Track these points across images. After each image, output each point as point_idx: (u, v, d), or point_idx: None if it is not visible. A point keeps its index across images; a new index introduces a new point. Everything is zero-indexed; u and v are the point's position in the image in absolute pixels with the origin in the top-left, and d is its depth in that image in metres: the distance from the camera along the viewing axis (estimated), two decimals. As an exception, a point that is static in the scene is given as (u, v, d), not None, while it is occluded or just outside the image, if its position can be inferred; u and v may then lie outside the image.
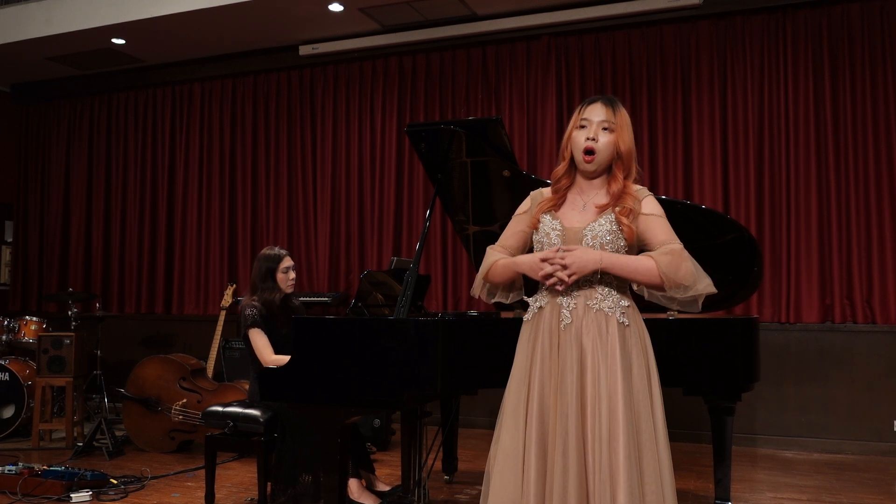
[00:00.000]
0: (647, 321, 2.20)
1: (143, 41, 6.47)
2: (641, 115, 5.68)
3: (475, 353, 2.92)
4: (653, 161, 5.65)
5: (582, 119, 2.16)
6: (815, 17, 5.33)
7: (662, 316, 3.13)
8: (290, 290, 3.81)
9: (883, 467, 4.70)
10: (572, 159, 2.18)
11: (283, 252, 3.80)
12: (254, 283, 3.79)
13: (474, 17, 5.94)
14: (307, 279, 6.56)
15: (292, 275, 3.80)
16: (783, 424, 5.24)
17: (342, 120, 6.58)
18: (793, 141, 5.32)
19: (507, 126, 5.79)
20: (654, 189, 5.61)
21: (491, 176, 3.37)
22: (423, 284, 4.36)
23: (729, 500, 3.26)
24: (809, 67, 5.31)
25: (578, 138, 2.15)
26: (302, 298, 4.92)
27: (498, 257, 2.25)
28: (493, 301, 2.31)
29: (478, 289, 2.31)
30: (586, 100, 2.21)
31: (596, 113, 2.15)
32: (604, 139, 2.13)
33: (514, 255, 2.26)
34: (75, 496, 3.81)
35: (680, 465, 4.72)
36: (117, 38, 6.40)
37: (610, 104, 2.16)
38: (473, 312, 4.72)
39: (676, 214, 3.29)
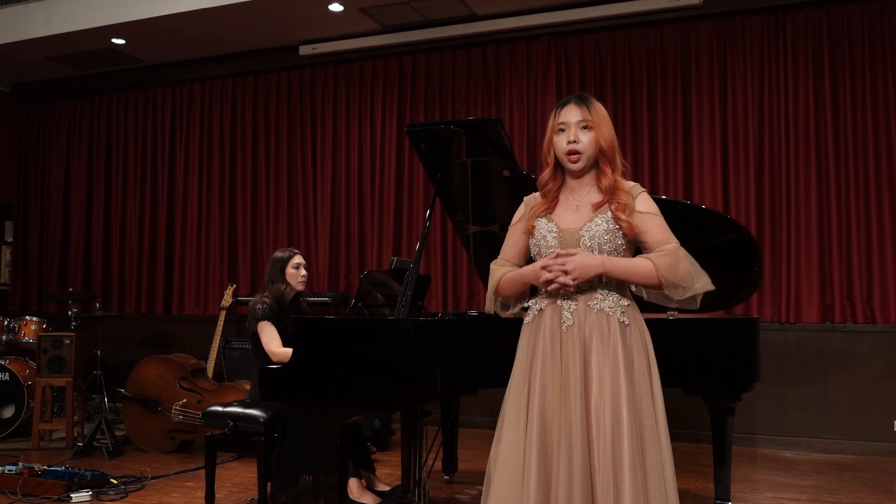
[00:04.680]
0: (647, 321, 2.20)
1: (143, 41, 6.47)
2: (641, 115, 5.68)
3: (475, 353, 2.92)
4: (653, 161, 5.65)
5: (559, 123, 2.17)
6: (815, 17, 5.33)
7: (662, 316, 3.13)
8: (300, 287, 3.84)
9: (883, 467, 4.70)
10: (557, 163, 2.20)
11: (295, 251, 3.86)
12: (265, 282, 3.81)
13: (474, 17, 5.94)
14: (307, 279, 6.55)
15: (303, 271, 3.84)
16: (783, 424, 5.24)
17: (342, 120, 6.57)
18: (793, 141, 5.32)
19: (507, 126, 5.78)
20: (654, 189, 5.61)
21: (491, 176, 3.37)
22: (423, 284, 4.36)
23: (729, 500, 3.27)
24: (809, 67, 5.30)
25: (560, 143, 2.16)
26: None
27: (504, 271, 2.25)
28: (507, 314, 2.30)
29: (491, 305, 2.30)
30: (559, 103, 2.21)
31: (571, 114, 2.15)
32: (585, 138, 2.14)
33: (518, 265, 2.26)
34: (75, 496, 3.81)
35: (680, 465, 4.71)
36: (117, 38, 6.40)
37: (583, 102, 2.16)
38: (473, 312, 4.72)
39: (676, 214, 3.31)
